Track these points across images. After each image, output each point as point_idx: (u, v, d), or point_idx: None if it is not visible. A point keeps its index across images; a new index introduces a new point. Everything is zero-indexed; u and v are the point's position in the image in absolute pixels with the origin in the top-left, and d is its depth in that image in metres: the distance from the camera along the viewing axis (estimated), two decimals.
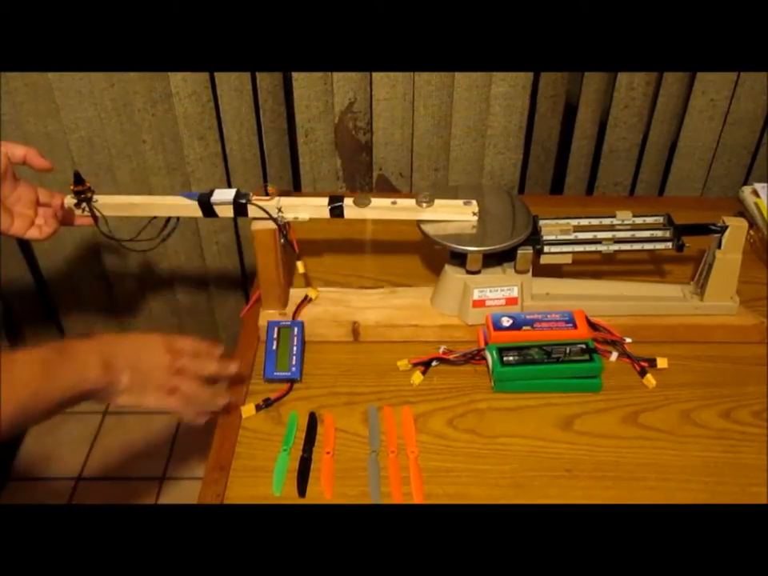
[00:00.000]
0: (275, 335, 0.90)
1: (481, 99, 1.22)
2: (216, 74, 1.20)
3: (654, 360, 0.89)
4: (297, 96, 1.23)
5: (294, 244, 0.88)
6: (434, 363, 0.89)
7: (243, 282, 1.51)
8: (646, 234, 0.89)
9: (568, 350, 0.85)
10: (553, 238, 0.89)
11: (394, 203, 0.88)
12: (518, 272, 0.90)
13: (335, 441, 0.81)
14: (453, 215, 0.88)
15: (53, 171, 0.82)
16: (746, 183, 1.31)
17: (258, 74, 1.21)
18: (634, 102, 1.25)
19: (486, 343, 0.87)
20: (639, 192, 1.36)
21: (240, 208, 0.85)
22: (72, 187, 0.83)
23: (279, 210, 0.85)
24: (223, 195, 0.85)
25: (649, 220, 0.91)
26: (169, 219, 0.87)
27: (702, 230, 0.89)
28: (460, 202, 0.89)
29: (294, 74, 1.20)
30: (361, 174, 1.35)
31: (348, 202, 0.87)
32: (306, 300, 0.94)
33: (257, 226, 0.86)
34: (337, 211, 0.87)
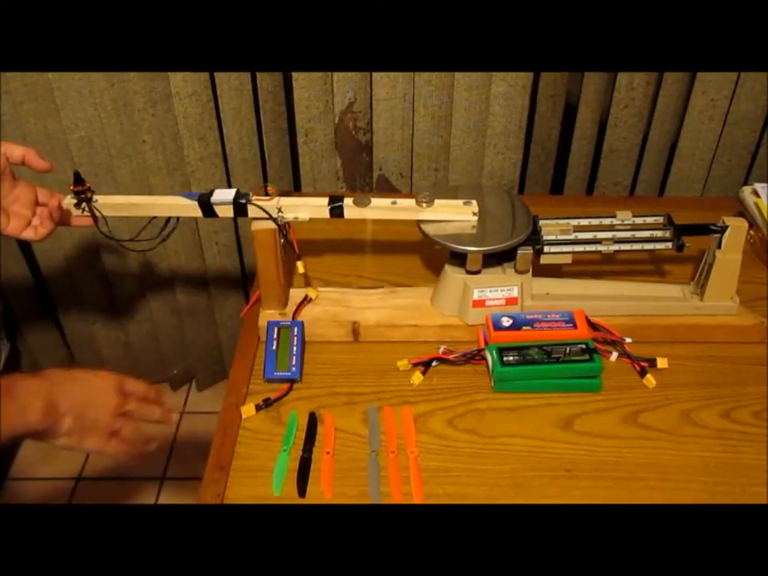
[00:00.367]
0: (275, 335, 0.90)
1: (481, 99, 1.22)
2: (216, 74, 1.20)
3: (654, 360, 0.89)
4: (297, 96, 1.23)
5: (293, 244, 0.88)
6: (434, 363, 0.89)
7: (243, 282, 1.51)
8: (646, 234, 0.89)
9: (568, 350, 0.85)
10: (553, 238, 0.89)
11: (394, 203, 0.88)
12: (517, 272, 0.90)
13: (335, 441, 0.81)
14: (453, 215, 0.88)
15: (53, 171, 0.82)
16: (746, 183, 1.32)
17: (258, 74, 1.22)
18: (633, 102, 1.25)
19: (486, 343, 0.87)
20: (639, 192, 1.36)
21: (240, 208, 0.85)
22: (72, 187, 0.83)
23: (279, 209, 0.85)
24: (223, 195, 0.85)
25: (649, 220, 0.91)
26: (169, 219, 0.87)
27: (702, 230, 0.89)
28: (460, 202, 0.89)
29: (294, 74, 1.20)
30: (361, 174, 1.35)
31: (348, 201, 0.87)
32: (306, 300, 0.94)
33: (257, 225, 0.86)
34: (337, 211, 0.87)
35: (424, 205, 0.87)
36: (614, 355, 0.90)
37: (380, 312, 0.94)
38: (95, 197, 0.84)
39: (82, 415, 0.71)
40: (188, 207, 0.85)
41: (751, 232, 1.07)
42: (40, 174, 0.82)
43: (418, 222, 0.89)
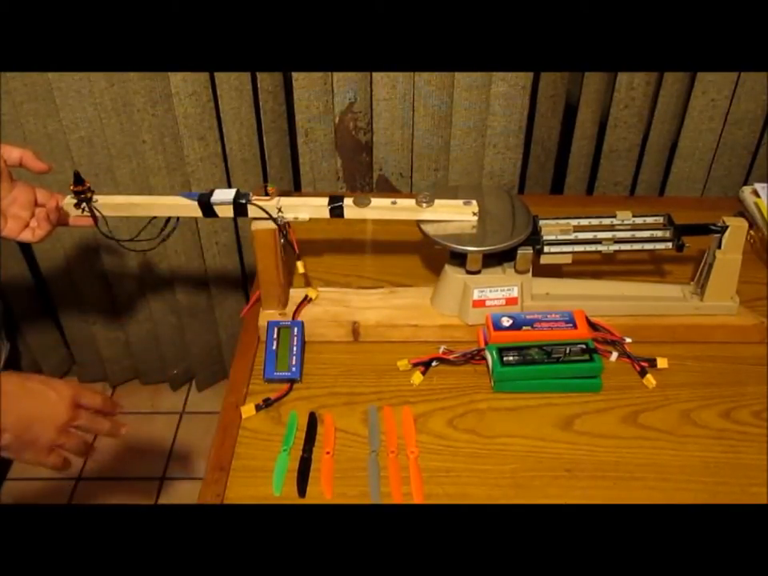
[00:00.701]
0: (275, 335, 0.90)
1: (481, 99, 1.22)
2: (216, 74, 1.20)
3: (654, 360, 0.89)
4: (297, 96, 1.23)
5: (293, 244, 0.88)
6: (433, 363, 0.89)
7: (243, 282, 1.51)
8: (646, 234, 0.89)
9: (568, 350, 0.85)
10: (553, 238, 0.89)
11: (394, 203, 0.88)
12: (518, 272, 0.90)
13: (335, 441, 0.81)
14: (453, 215, 0.88)
15: (52, 171, 0.82)
16: (746, 183, 1.32)
17: (258, 74, 1.21)
18: (633, 102, 1.25)
19: (486, 343, 0.87)
20: (639, 192, 1.36)
21: (240, 208, 0.85)
22: (72, 187, 0.83)
23: (279, 209, 0.85)
24: (223, 195, 0.85)
25: (649, 220, 0.91)
26: (169, 219, 0.87)
27: (702, 230, 0.89)
28: (460, 202, 0.89)
29: (294, 74, 1.20)
30: (361, 174, 1.35)
31: (348, 201, 0.87)
32: (306, 300, 0.94)
33: (257, 226, 0.86)
34: (337, 211, 0.87)
35: (424, 205, 0.87)
36: (614, 355, 0.90)
37: (380, 312, 0.94)
38: (95, 197, 0.84)
39: (25, 431, 0.68)
40: (188, 207, 0.85)
41: (751, 232, 1.07)
42: (39, 174, 0.82)
43: (418, 222, 0.89)
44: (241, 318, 0.98)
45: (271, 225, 0.85)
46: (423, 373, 0.88)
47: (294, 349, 0.88)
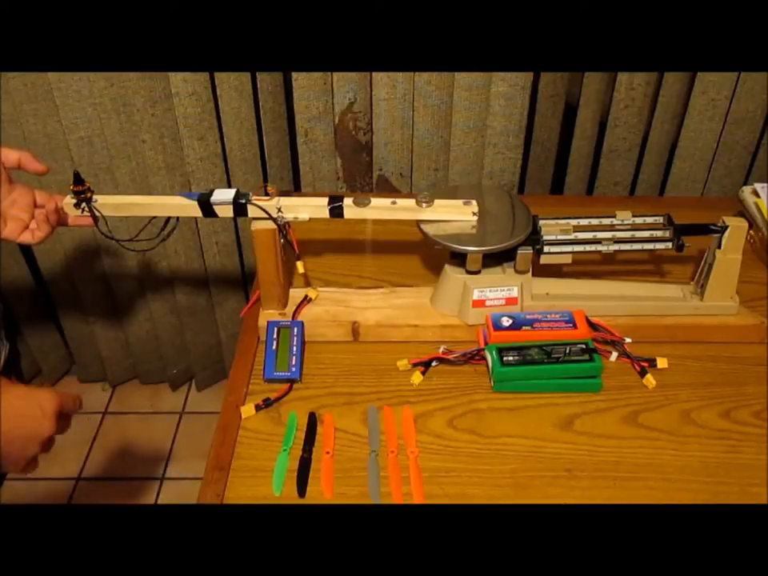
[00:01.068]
0: (275, 335, 0.90)
1: (481, 99, 1.22)
2: (216, 74, 1.20)
3: (654, 360, 0.89)
4: (297, 96, 1.23)
5: (293, 244, 0.88)
6: (433, 363, 0.89)
7: (243, 282, 1.51)
8: (646, 234, 0.89)
9: (568, 350, 0.85)
10: (553, 237, 0.89)
11: (393, 203, 0.88)
12: (517, 272, 0.90)
13: (335, 441, 0.81)
14: (453, 215, 0.88)
15: (52, 172, 0.82)
16: (745, 183, 1.32)
17: (258, 74, 1.22)
18: (634, 102, 1.25)
19: (486, 343, 0.87)
20: (639, 192, 1.36)
21: (240, 208, 0.85)
22: (72, 187, 0.83)
23: (279, 210, 0.85)
24: (223, 195, 0.85)
25: (649, 220, 0.91)
26: (168, 219, 0.87)
27: (702, 229, 0.89)
28: (460, 201, 0.89)
29: (294, 74, 1.21)
30: (361, 174, 1.35)
31: (348, 201, 0.87)
32: (306, 300, 0.94)
33: (257, 225, 0.86)
34: (337, 211, 0.87)
35: (424, 205, 0.87)
36: (614, 355, 0.90)
37: (380, 312, 0.94)
38: (95, 197, 0.84)
39: (8, 446, 0.65)
40: (188, 207, 0.85)
41: (751, 232, 1.07)
42: (39, 175, 0.82)
43: (418, 222, 0.89)
44: (241, 317, 0.98)
45: (271, 225, 0.85)
46: (423, 373, 0.88)
47: (294, 349, 0.88)
